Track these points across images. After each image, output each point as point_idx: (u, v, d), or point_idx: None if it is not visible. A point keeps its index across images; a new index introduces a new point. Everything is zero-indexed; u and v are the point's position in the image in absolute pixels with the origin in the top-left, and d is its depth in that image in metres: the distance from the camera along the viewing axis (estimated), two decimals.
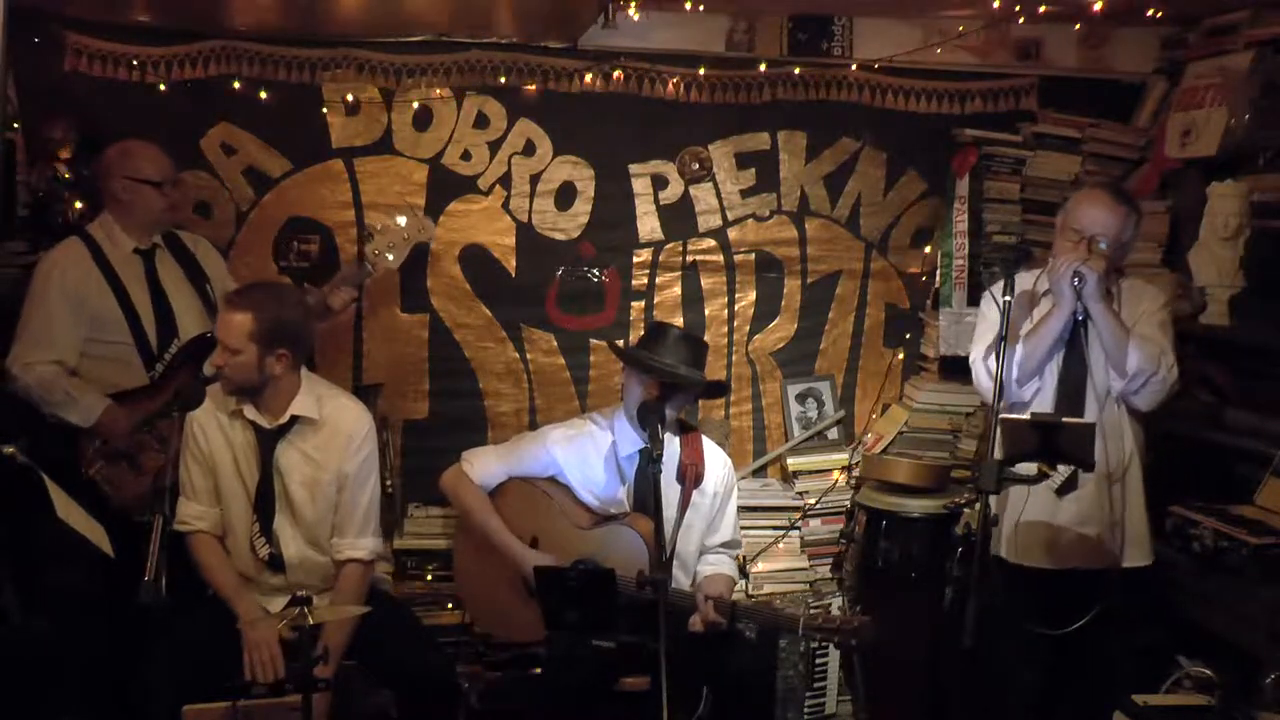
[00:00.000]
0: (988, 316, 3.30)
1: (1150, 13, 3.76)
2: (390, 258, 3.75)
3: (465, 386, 4.20)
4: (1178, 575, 3.26)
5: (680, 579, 3.40)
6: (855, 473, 4.18)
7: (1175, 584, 3.26)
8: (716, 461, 3.50)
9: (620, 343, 4.12)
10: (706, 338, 4.06)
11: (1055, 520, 3.24)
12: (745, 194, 4.28)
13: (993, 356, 3.06)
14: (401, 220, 3.77)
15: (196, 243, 3.74)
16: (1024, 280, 3.31)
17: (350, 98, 4.02)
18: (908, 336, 4.40)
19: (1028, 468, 3.08)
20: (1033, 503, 3.21)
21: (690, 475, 3.40)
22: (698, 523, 3.46)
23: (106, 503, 3.37)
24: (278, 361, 3.11)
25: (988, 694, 3.34)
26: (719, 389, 3.76)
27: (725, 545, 3.53)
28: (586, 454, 3.45)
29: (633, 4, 3.72)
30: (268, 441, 3.19)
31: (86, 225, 3.55)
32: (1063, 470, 3.18)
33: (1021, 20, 4.00)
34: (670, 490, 3.34)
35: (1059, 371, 3.22)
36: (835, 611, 3.96)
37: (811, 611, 3.20)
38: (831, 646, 3.75)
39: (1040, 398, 3.25)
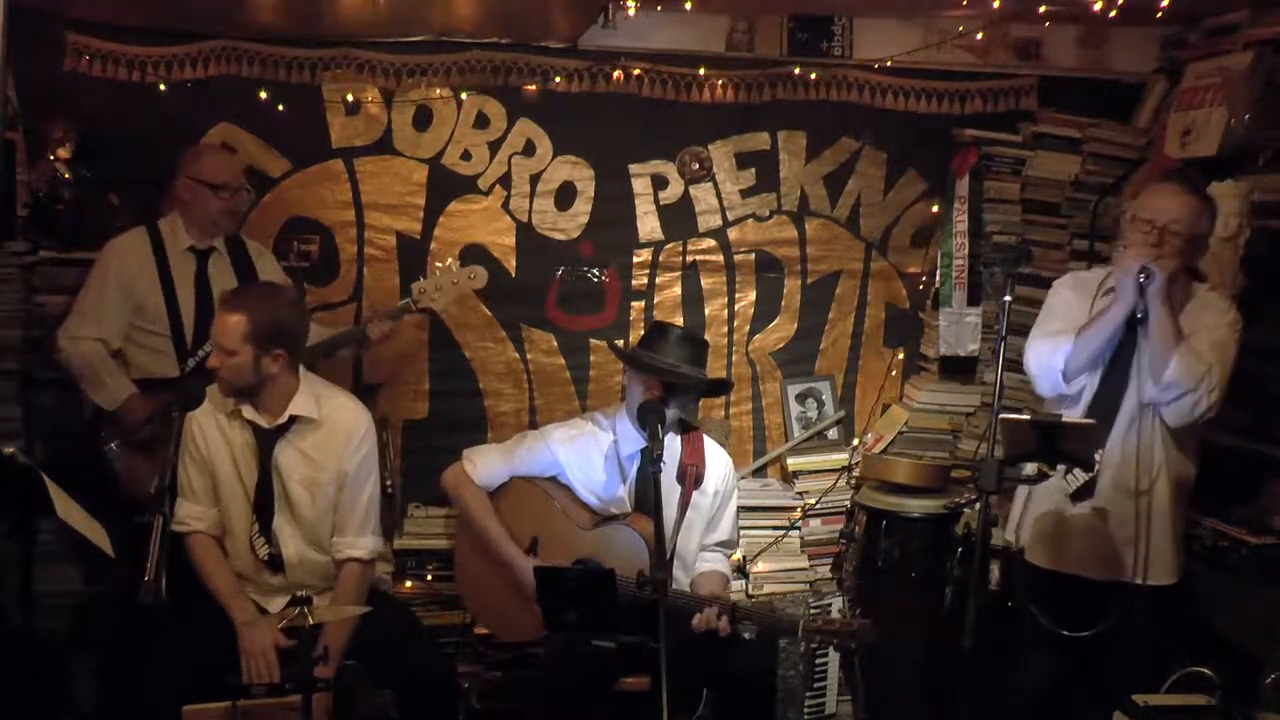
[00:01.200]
0: (1051, 305, 3.27)
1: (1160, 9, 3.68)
2: (437, 300, 3.77)
3: (465, 386, 4.20)
4: None
5: (681, 579, 3.39)
6: (855, 473, 4.18)
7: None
8: (718, 461, 3.50)
9: (620, 343, 4.13)
10: (706, 337, 4.05)
11: (1071, 525, 3.16)
12: (745, 194, 4.27)
13: (1037, 344, 3.11)
14: (457, 268, 3.79)
15: (260, 254, 3.79)
16: (1095, 276, 3.26)
17: (350, 98, 4.03)
18: (908, 337, 4.40)
19: (1031, 467, 3.08)
20: (1051, 505, 3.18)
21: (691, 475, 3.39)
22: (698, 522, 3.45)
23: (117, 489, 3.41)
24: (274, 362, 3.10)
25: (988, 693, 3.33)
26: (722, 386, 3.76)
27: (721, 544, 3.52)
28: (588, 453, 3.44)
29: (632, 4, 3.71)
30: (267, 441, 3.18)
31: (158, 220, 3.67)
32: (1079, 475, 3.11)
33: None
34: (671, 490, 3.34)
35: (1103, 370, 3.13)
36: (835, 612, 3.96)
37: (811, 614, 3.19)
38: (831, 649, 3.75)
39: (1084, 395, 3.16)
